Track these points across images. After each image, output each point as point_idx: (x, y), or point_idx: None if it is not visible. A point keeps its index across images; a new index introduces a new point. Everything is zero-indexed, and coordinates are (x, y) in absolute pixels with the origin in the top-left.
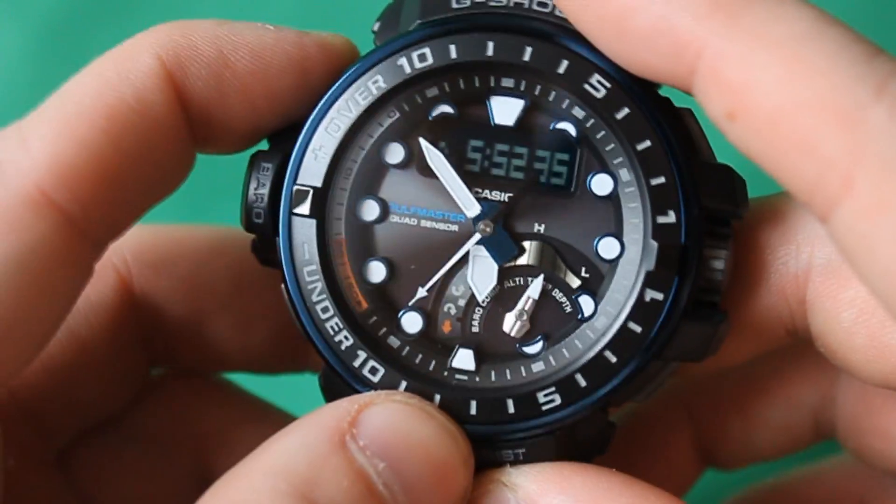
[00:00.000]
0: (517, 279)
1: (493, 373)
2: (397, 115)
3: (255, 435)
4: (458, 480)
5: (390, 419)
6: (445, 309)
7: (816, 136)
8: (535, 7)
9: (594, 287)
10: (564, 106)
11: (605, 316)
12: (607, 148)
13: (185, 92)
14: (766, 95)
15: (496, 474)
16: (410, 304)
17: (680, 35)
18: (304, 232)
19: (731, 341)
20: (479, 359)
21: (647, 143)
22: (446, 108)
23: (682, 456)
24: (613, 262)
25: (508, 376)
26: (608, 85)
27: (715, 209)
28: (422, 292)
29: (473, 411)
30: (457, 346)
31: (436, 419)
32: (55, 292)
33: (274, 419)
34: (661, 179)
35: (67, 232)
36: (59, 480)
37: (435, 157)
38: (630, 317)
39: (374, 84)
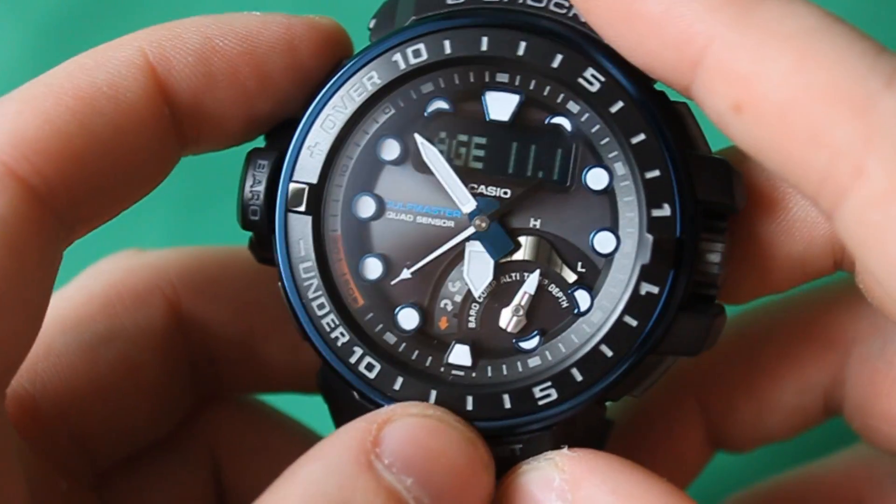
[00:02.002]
0: (513, 274)
1: (489, 368)
2: (392, 111)
3: (266, 442)
4: (482, 485)
5: (411, 433)
6: (442, 305)
7: (827, 125)
8: (529, 2)
9: (590, 281)
10: (559, 100)
11: (601, 310)
12: (602, 142)
13: (171, 82)
14: (777, 86)
15: (549, 452)
16: (393, 283)
17: (690, 23)
18: (300, 229)
19: (780, 269)
20: (476, 354)
21: (642, 137)
22: (441, 104)
23: (693, 443)
24: (609, 257)
25: (505, 372)
26: (602, 79)
27: (710, 202)
28: (406, 273)
29: (470, 407)
30: (453, 342)
31: (455, 428)
32: (32, 262)
33: (285, 427)
34: (656, 173)
35: (32, 204)
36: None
37: (430, 154)
38: (626, 311)
39: (368, 80)
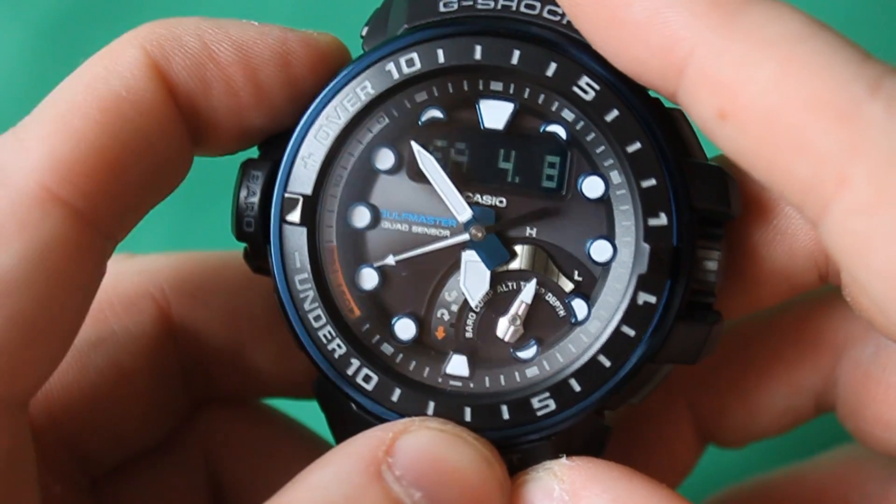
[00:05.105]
0: (510, 284)
1: (487, 378)
2: (387, 120)
3: (264, 442)
4: None
5: (425, 447)
6: (439, 315)
7: (812, 133)
8: (522, 10)
9: (587, 290)
10: (554, 108)
11: (599, 320)
12: (598, 150)
13: (172, 81)
14: (761, 93)
15: (547, 462)
16: (376, 265)
17: (674, 29)
18: (295, 240)
19: (765, 283)
20: (474, 364)
21: (637, 145)
22: (436, 113)
23: (684, 444)
24: (606, 266)
25: (503, 382)
26: (597, 87)
27: (707, 210)
28: (390, 260)
29: (468, 418)
30: (450, 353)
31: (471, 445)
32: (74, 286)
33: (282, 426)
34: (652, 181)
35: (77, 225)
36: None
37: (427, 162)
38: (623, 320)
39: (362, 90)
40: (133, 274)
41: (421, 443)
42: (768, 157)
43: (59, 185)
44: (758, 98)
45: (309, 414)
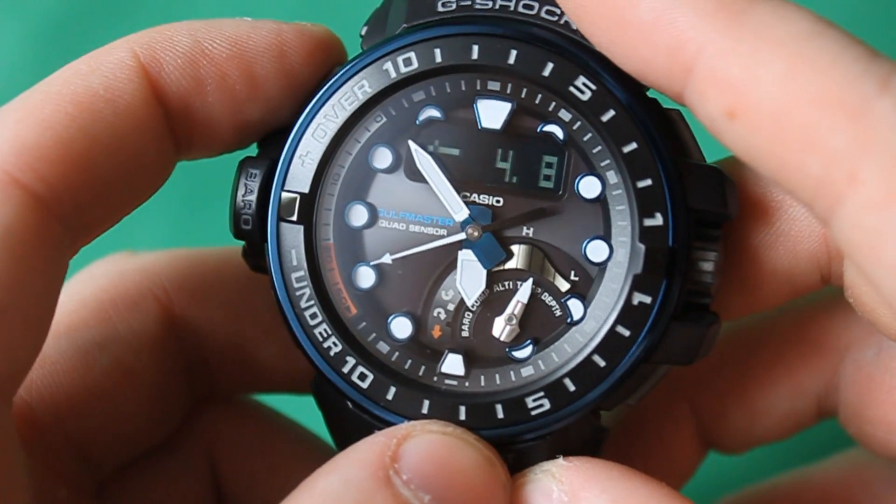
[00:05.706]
0: (506, 283)
1: (482, 378)
2: (384, 119)
3: (264, 444)
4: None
5: (430, 450)
6: (435, 314)
7: (821, 131)
8: (520, 10)
9: (583, 290)
10: (551, 108)
11: (594, 319)
12: (594, 150)
13: (162, 84)
14: (770, 92)
15: (545, 464)
16: (373, 264)
17: (681, 30)
18: (292, 238)
19: (767, 285)
20: (469, 364)
21: (634, 146)
22: (433, 112)
23: (685, 447)
24: (602, 266)
25: (498, 381)
26: (594, 87)
27: (703, 211)
28: (387, 258)
29: (462, 417)
30: (446, 351)
31: (474, 446)
32: (37, 272)
33: (282, 427)
34: (648, 182)
35: (38, 212)
36: None
37: (424, 161)
38: (618, 320)
39: (360, 89)
40: (135, 272)
41: (426, 447)
42: (778, 156)
43: (21, 171)
44: (767, 97)
45: (308, 414)
